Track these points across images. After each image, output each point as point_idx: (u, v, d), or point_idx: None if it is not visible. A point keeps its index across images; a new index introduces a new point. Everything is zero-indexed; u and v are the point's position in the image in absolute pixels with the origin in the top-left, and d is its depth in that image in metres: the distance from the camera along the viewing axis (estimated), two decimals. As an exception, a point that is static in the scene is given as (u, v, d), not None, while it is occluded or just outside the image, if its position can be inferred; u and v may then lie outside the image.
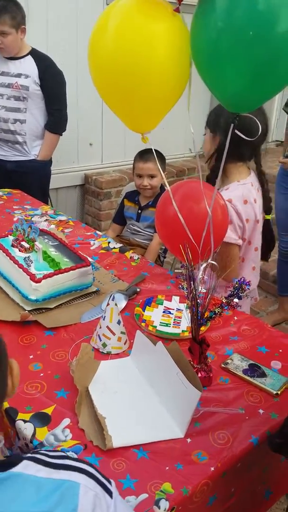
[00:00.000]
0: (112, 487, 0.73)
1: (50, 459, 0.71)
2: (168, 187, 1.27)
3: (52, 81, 2.71)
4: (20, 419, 1.05)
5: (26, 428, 1.03)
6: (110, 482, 0.73)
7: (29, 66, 2.67)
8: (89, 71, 1.18)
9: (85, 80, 3.21)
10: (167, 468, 0.95)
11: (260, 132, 1.14)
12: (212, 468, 0.96)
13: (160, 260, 2.53)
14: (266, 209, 1.79)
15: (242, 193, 1.65)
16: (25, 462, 0.68)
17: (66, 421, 1.05)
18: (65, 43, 3.24)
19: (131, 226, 2.58)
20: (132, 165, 2.51)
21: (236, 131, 1.05)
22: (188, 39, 1.08)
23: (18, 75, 2.65)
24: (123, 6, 1.12)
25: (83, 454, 0.98)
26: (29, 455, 0.70)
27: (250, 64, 1.00)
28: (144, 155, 2.37)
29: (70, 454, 0.97)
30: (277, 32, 0.95)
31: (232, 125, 1.06)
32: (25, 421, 1.05)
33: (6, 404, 1.08)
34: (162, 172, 1.30)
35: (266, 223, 1.81)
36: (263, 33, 0.96)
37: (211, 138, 1.69)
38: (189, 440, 1.02)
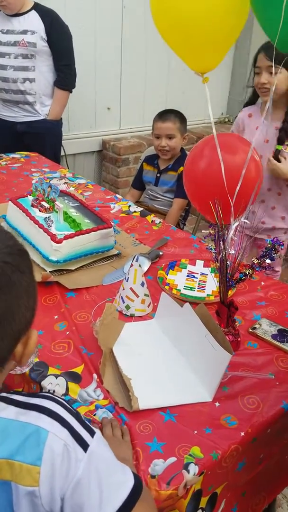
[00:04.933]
0: (93, 440, 0.64)
1: (24, 398, 0.64)
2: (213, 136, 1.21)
3: (59, 36, 2.57)
4: (51, 374, 1.03)
5: (59, 384, 1.01)
6: (92, 433, 0.65)
7: (34, 21, 2.52)
8: (151, 14, 1.18)
9: (103, 42, 3.08)
10: (195, 432, 0.92)
11: None
12: (242, 433, 0.92)
13: (180, 227, 2.46)
14: None
15: None
16: None
17: (96, 381, 1.03)
18: (83, 2, 3.10)
19: (149, 191, 2.51)
20: (151, 130, 2.42)
21: None
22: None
23: (24, 32, 2.51)
24: None
25: (114, 415, 0.95)
26: (3, 394, 0.64)
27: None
28: (163, 114, 2.27)
29: (104, 412, 0.95)
30: None
31: None
32: (56, 376, 1.03)
33: (36, 359, 1.06)
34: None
35: None
36: None
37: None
38: (217, 404, 0.99)
